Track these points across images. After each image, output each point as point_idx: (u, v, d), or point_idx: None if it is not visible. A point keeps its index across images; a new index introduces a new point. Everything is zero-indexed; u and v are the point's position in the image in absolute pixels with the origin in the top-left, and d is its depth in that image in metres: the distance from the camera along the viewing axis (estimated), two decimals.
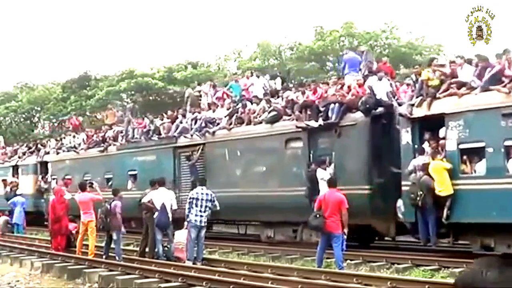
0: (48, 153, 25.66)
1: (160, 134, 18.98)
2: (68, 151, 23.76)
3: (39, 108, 45.28)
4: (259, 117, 15.84)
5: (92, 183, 17.71)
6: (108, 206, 13.11)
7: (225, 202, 13.64)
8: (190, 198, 12.39)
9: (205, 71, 37.35)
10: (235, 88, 19.04)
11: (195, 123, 17.72)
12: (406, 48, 29.88)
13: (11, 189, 25.38)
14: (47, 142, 27.57)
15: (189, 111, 18.85)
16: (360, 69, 15.47)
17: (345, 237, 10.86)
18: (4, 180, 27.51)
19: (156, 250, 12.79)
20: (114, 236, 13.08)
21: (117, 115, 25.04)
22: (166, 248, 12.99)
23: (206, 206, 12.33)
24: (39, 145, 27.65)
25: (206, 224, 12.47)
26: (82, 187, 14.59)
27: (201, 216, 12.28)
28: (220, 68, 36.67)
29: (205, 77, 35.86)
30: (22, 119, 46.00)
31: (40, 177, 25.54)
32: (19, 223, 22.04)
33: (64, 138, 25.53)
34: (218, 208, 12.58)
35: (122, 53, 71.77)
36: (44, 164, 25.64)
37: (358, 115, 13.33)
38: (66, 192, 15.76)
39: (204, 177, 14.21)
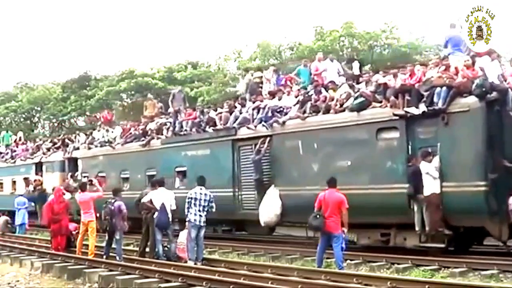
0: (77, 148, 23.57)
1: (215, 125, 16.91)
2: (101, 146, 21.64)
3: (39, 108, 45.36)
4: (340, 104, 13.77)
5: (91, 180, 17.78)
6: (111, 207, 13.09)
7: (297, 201, 12.86)
8: (188, 198, 12.39)
9: (205, 71, 37.41)
10: (303, 73, 16.89)
11: (258, 112, 15.75)
12: (406, 48, 29.87)
13: (34, 188, 23.85)
14: (75, 137, 25.61)
15: (249, 100, 16.89)
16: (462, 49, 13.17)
17: (344, 235, 10.87)
18: (26, 179, 25.87)
19: (156, 250, 12.78)
20: (117, 236, 13.07)
21: (157, 106, 22.69)
22: (166, 248, 12.99)
23: (205, 206, 12.34)
24: (66, 140, 25.78)
25: (205, 224, 12.46)
26: (82, 187, 14.60)
27: (200, 215, 12.29)
28: (220, 68, 36.68)
29: (205, 77, 36.02)
30: (22, 119, 46.04)
31: (68, 175, 23.26)
32: (24, 223, 22.09)
33: (98, 131, 23.06)
34: (214, 209, 12.55)
35: (122, 53, 71.91)
36: (72, 161, 23.47)
37: (471, 100, 11.55)
38: (65, 192, 15.79)
39: (203, 177, 14.01)
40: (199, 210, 12.28)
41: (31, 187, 24.36)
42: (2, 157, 29.47)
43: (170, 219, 12.83)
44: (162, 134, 19.06)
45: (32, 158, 26.26)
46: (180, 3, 71.22)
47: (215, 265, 11.86)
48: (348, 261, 11.69)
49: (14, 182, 27.36)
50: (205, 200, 12.37)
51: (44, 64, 78.60)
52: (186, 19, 73.45)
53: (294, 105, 15.03)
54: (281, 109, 15.28)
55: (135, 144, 19.87)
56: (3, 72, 75.74)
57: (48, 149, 25.87)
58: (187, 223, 12.56)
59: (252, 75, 18.98)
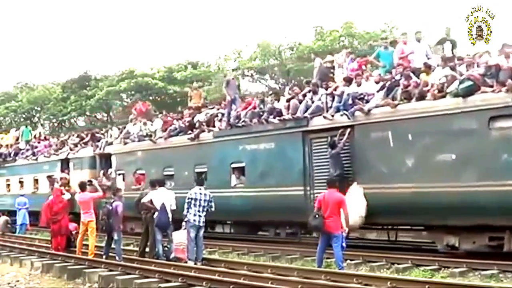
0: (110, 143, 21.45)
1: (280, 115, 15.02)
2: (139, 140, 19.64)
3: (39, 108, 45.36)
4: (438, 90, 12.04)
5: (91, 181, 17.71)
6: (110, 207, 13.10)
7: (386, 200, 11.88)
8: (188, 199, 12.38)
9: (205, 71, 37.41)
10: (384, 56, 15.07)
11: (333, 100, 13.90)
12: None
13: (61, 187, 21.99)
14: (107, 131, 23.53)
15: (320, 86, 14.84)
16: None
17: (345, 234, 10.87)
18: (50, 177, 23.83)
19: (156, 250, 12.79)
20: (115, 236, 13.07)
21: (203, 95, 20.94)
22: (166, 248, 12.99)
23: (204, 206, 12.34)
24: (96, 135, 23.55)
25: (204, 224, 12.45)
26: (82, 186, 14.60)
27: (199, 216, 12.29)
28: (220, 68, 36.68)
29: (205, 77, 36.03)
30: (22, 119, 46.01)
31: (100, 172, 21.36)
32: (25, 223, 22.08)
33: (134, 125, 20.84)
34: (213, 209, 12.54)
35: (122, 53, 71.97)
36: (105, 157, 21.39)
37: None
38: (65, 192, 15.79)
39: (202, 177, 13.90)
40: (199, 211, 12.28)
41: (56, 185, 21.77)
42: (22, 153, 27.43)
43: (170, 219, 12.83)
44: (213, 126, 17.21)
45: (57, 155, 24.18)
46: (180, 3, 71.27)
47: (215, 265, 11.85)
48: (348, 261, 11.68)
49: (36, 181, 25.31)
50: (205, 200, 12.36)
51: (44, 64, 78.73)
52: (186, 19, 73.55)
53: (377, 91, 13.27)
54: (362, 96, 13.44)
55: (181, 137, 17.92)
56: (3, 72, 75.91)
57: (76, 145, 23.82)
58: (184, 223, 12.58)
59: (322, 59, 16.87)
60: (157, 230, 12.73)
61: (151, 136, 19.13)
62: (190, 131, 17.60)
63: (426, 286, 8.57)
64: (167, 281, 10.05)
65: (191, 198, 12.33)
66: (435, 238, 12.56)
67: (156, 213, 12.75)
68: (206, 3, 69.30)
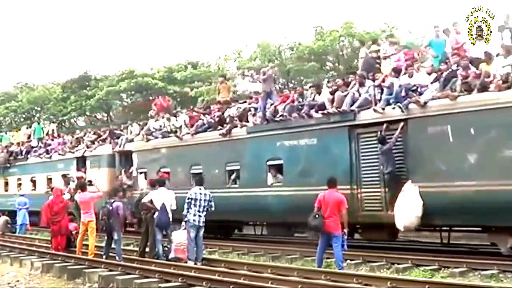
0: (131, 140, 20.47)
1: (322, 109, 14.15)
2: (163, 137, 18.70)
3: (39, 108, 45.32)
4: (502, 80, 11.17)
5: (91, 181, 17.66)
6: (110, 207, 13.09)
7: (446, 200, 11.25)
8: (188, 199, 12.37)
9: (205, 71, 37.37)
10: (436, 46, 14.26)
11: (382, 92, 13.16)
12: (406, 48, 29.83)
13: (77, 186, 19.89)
14: (127, 127, 22.29)
15: (367, 78, 13.99)
16: None
17: (346, 236, 10.86)
18: (65, 176, 22.65)
19: (156, 250, 12.79)
20: (116, 236, 13.07)
21: (232, 89, 19.70)
22: (166, 248, 12.99)
23: (204, 206, 12.33)
24: (115, 132, 22.30)
25: (204, 224, 12.45)
26: (82, 186, 14.60)
27: (199, 216, 12.28)
28: (220, 68, 36.64)
29: (205, 77, 36.00)
30: (22, 119, 45.99)
31: (121, 170, 20.30)
32: (25, 223, 22.07)
33: (156, 121, 19.81)
34: (213, 209, 12.52)
35: (122, 53, 71.83)
36: (125, 155, 20.48)
37: None
38: (65, 192, 15.80)
39: (202, 177, 13.81)
40: (198, 211, 12.27)
41: (72, 185, 21.03)
42: (35, 151, 26.52)
43: (171, 219, 12.83)
44: (246, 121, 16.23)
45: (73, 152, 23.19)
46: (180, 3, 71.29)
47: (215, 265, 11.86)
48: (348, 261, 11.69)
49: (50, 180, 24.22)
50: (204, 200, 12.36)
51: (44, 64, 78.64)
52: (186, 19, 73.53)
53: (431, 83, 12.54)
54: (415, 87, 12.64)
55: (210, 134, 16.95)
56: (3, 72, 75.85)
57: (92, 142, 22.74)
58: (184, 223, 12.57)
59: (368, 49, 16.06)
60: (157, 230, 12.73)
61: (175, 132, 18.16)
62: (220, 127, 16.67)
63: (426, 286, 8.57)
64: (167, 281, 10.06)
65: (191, 198, 12.32)
66: (498, 240, 11.73)
67: (156, 213, 12.75)
68: (206, 3, 69.36)
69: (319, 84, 15.64)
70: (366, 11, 53.89)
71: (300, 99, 15.01)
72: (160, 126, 19.21)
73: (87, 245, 13.73)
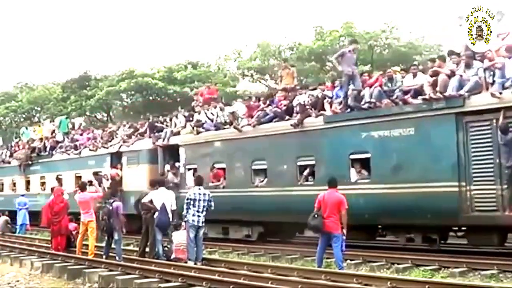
0: (177, 133, 18.41)
1: (418, 94, 12.53)
2: (217, 128, 16.87)
3: (39, 108, 45.36)
4: None
5: (91, 181, 17.60)
6: (109, 207, 13.08)
7: None
8: (187, 199, 12.36)
9: (205, 71, 37.37)
10: None
11: (494, 74, 11.52)
12: (406, 48, 29.86)
13: (111, 185, 18.61)
14: (170, 119, 19.87)
15: (474, 58, 12.20)
16: None
17: (345, 237, 10.86)
18: (96, 173, 20.72)
19: (156, 250, 12.79)
20: (116, 236, 13.07)
21: (295, 75, 17.69)
22: (166, 248, 13.00)
23: (203, 206, 12.32)
24: (155, 124, 20.06)
25: (204, 224, 12.45)
26: (82, 186, 14.60)
27: (198, 216, 12.27)
28: (220, 68, 36.66)
29: (205, 77, 36.00)
30: (22, 119, 46.01)
31: (165, 167, 18.26)
32: (25, 223, 22.07)
33: (207, 110, 17.93)
34: (213, 208, 12.51)
35: (122, 53, 71.88)
36: (169, 149, 18.38)
37: None
38: (65, 192, 15.79)
39: (202, 177, 13.65)
40: (198, 211, 12.26)
41: (106, 183, 19.40)
42: (60, 147, 24.37)
43: (171, 219, 12.83)
44: (321, 110, 14.37)
45: (107, 148, 21.19)
46: (180, 3, 71.28)
47: (215, 265, 11.85)
48: (348, 261, 11.69)
49: (78, 178, 21.94)
50: (204, 200, 12.35)
51: (44, 64, 78.72)
52: (186, 19, 73.56)
53: None
54: None
55: (276, 124, 15.09)
56: (3, 72, 75.89)
57: (129, 136, 20.69)
58: (184, 223, 12.57)
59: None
60: (157, 230, 12.73)
61: (231, 123, 16.36)
62: (288, 117, 14.93)
63: (426, 286, 8.57)
64: (167, 281, 10.06)
65: (190, 199, 12.31)
66: None
67: (156, 213, 12.75)
68: (206, 3, 69.36)
69: (416, 64, 13.63)
70: (366, 11, 53.91)
71: (390, 84, 13.33)
72: (213, 116, 17.28)
73: (87, 245, 13.72)
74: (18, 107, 45.25)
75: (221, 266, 11.65)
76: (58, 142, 25.05)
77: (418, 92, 12.59)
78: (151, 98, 38.43)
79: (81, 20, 79.42)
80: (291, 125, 14.45)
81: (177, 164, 17.88)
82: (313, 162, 14.13)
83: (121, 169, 20.04)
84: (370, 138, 12.96)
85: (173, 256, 12.75)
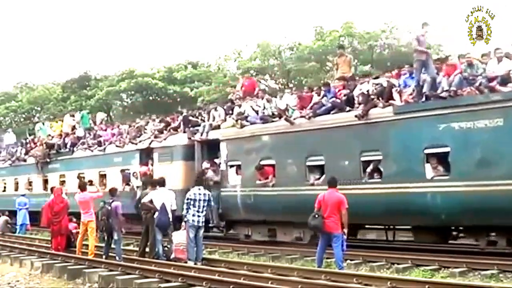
0: (217, 127, 16.82)
1: (508, 81, 11.34)
2: (264, 122, 15.36)
3: (39, 108, 45.39)
4: None
5: (91, 181, 17.56)
6: (108, 207, 13.08)
7: None
8: (187, 199, 12.36)
9: (205, 71, 37.41)
10: None
11: None
12: (406, 48, 29.88)
13: (143, 183, 17.00)
14: (209, 112, 18.01)
15: None
16: None
17: (345, 237, 10.85)
18: (123, 171, 19.73)
19: (156, 250, 12.79)
20: (115, 236, 13.07)
21: (353, 62, 15.93)
22: (166, 248, 13.00)
23: (203, 206, 12.32)
24: (190, 118, 18.55)
25: (203, 224, 12.43)
26: (82, 186, 14.59)
27: (198, 216, 12.26)
28: (220, 68, 36.69)
29: (205, 77, 36.04)
30: (22, 119, 46.04)
31: (204, 164, 16.79)
32: (25, 223, 22.05)
33: (250, 100, 16.73)
34: (212, 208, 12.47)
35: (122, 53, 71.96)
36: (208, 144, 16.96)
37: None
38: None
39: (201, 177, 13.60)
40: (198, 211, 12.25)
41: (136, 182, 18.24)
42: (82, 144, 22.82)
43: (171, 219, 12.83)
44: (388, 100, 12.92)
45: (135, 143, 19.62)
46: (180, 3, 71.29)
47: (215, 265, 11.85)
48: (348, 261, 11.69)
49: (103, 176, 21.00)
50: (204, 200, 12.35)
51: (44, 64, 78.76)
52: (186, 19, 73.56)
53: None
54: None
55: (336, 116, 13.69)
56: (3, 72, 75.92)
57: (161, 131, 19.09)
58: (184, 223, 12.57)
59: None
60: (157, 230, 12.73)
61: (279, 116, 15.03)
62: (348, 108, 13.63)
63: (426, 286, 8.57)
64: (167, 281, 10.06)
65: (190, 199, 12.31)
66: None
67: (156, 213, 12.75)
68: (206, 3, 69.37)
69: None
70: (366, 11, 53.91)
71: (469, 70, 12.18)
72: (259, 108, 15.93)
73: (87, 245, 13.72)
74: (18, 107, 45.27)
75: (221, 266, 11.65)
76: (79, 138, 23.45)
77: (506, 79, 11.43)
78: (151, 98, 38.48)
79: (81, 20, 79.52)
80: (356, 116, 13.04)
81: (217, 160, 16.66)
82: (379, 158, 12.77)
83: (152, 166, 18.63)
84: (450, 130, 11.64)
85: (173, 256, 12.75)
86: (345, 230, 10.75)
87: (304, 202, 12.67)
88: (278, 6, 61.50)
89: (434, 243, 13.26)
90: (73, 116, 26.24)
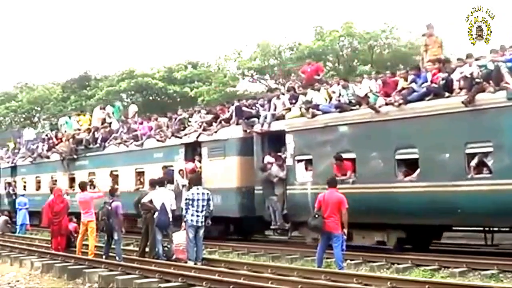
0: (280, 118, 15.12)
1: None
2: (340, 110, 13.61)
3: (39, 108, 45.39)
4: None
5: (92, 181, 17.55)
6: (109, 207, 13.08)
7: None
8: (186, 199, 12.37)
9: (205, 71, 37.40)
10: None
11: None
12: (406, 48, 29.88)
13: (189, 182, 15.08)
14: (269, 100, 16.21)
15: None
16: None
17: (345, 237, 10.85)
18: (165, 168, 18.09)
19: (156, 250, 12.79)
20: (115, 236, 13.07)
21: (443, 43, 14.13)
22: (166, 248, 13.00)
23: (202, 206, 12.30)
24: (243, 108, 16.70)
25: (203, 224, 12.43)
26: (82, 186, 14.59)
27: (197, 216, 12.25)
28: (220, 68, 36.68)
29: (205, 77, 36.04)
30: (22, 119, 46.04)
31: (266, 158, 15.15)
32: (25, 223, 22.03)
33: (315, 89, 15.06)
34: (211, 208, 12.48)
35: (122, 53, 71.97)
36: (268, 137, 15.36)
37: None
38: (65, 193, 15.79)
39: (200, 177, 13.53)
40: (197, 211, 12.23)
41: (181, 181, 16.72)
42: (115, 138, 20.92)
43: (170, 219, 12.83)
44: (499, 84, 11.14)
45: (180, 137, 17.87)
46: (180, 3, 71.31)
47: (215, 265, 11.85)
48: (348, 261, 11.69)
49: (140, 174, 19.31)
50: (203, 200, 12.33)
51: (44, 64, 78.76)
52: (186, 19, 73.57)
53: None
54: None
55: (433, 103, 11.91)
56: (3, 72, 75.91)
57: (210, 124, 17.30)
58: (184, 223, 12.57)
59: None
60: (157, 230, 12.73)
61: (359, 104, 13.43)
62: (447, 93, 11.91)
63: (426, 286, 8.58)
64: (167, 281, 10.06)
65: (189, 199, 12.30)
66: None
67: (156, 213, 12.75)
68: (206, 3, 69.39)
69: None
70: (366, 11, 53.93)
71: None
72: (333, 94, 14.35)
73: (87, 245, 13.72)
74: (18, 107, 45.27)
75: (221, 266, 11.65)
76: (112, 132, 21.50)
77: None
78: (151, 98, 38.45)
79: (81, 20, 79.52)
80: (463, 102, 11.29)
81: (281, 155, 15.03)
82: (490, 149, 11.03)
83: (200, 162, 17.00)
84: None
85: (174, 257, 12.75)
86: (345, 230, 10.76)
87: (392, 201, 11.77)
88: (278, 6, 61.55)
89: None
90: (103, 108, 23.84)
